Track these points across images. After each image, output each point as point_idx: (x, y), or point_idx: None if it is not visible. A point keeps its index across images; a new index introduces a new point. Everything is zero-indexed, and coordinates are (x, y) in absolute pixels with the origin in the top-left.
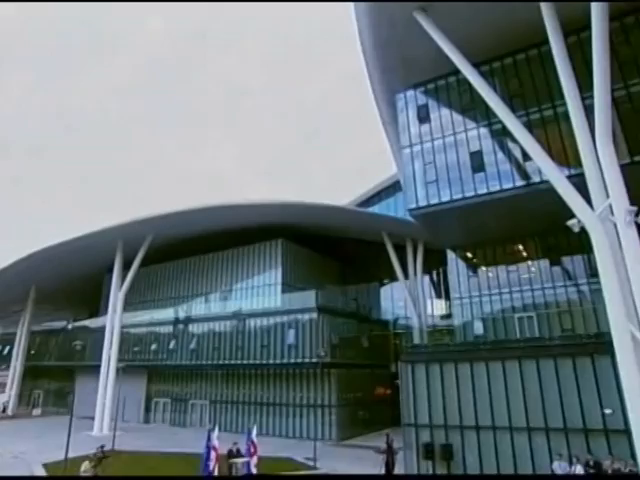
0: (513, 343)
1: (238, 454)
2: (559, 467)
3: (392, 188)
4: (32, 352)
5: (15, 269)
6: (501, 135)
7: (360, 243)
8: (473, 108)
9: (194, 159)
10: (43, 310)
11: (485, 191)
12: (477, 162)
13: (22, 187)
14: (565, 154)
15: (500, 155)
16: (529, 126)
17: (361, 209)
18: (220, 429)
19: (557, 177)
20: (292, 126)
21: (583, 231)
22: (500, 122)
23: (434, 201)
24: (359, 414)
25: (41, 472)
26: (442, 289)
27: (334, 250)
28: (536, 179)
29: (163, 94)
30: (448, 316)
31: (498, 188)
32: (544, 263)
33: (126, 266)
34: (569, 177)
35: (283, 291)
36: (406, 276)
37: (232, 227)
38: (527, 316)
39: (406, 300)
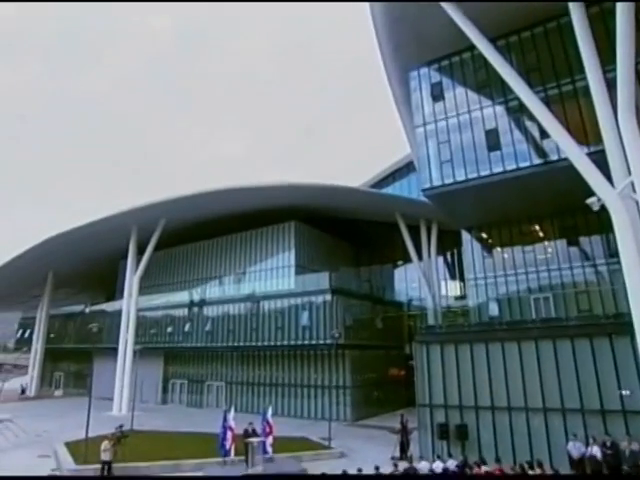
0: (529, 323)
1: (254, 434)
2: (574, 447)
3: (405, 169)
4: (52, 335)
5: (32, 254)
6: (518, 112)
7: (373, 225)
8: (489, 85)
9: (207, 147)
10: (61, 294)
11: (501, 170)
12: (493, 140)
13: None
14: (584, 131)
15: (517, 133)
16: (547, 102)
17: (374, 190)
18: (236, 410)
19: (576, 154)
20: (304, 112)
21: (602, 210)
22: (517, 99)
23: (449, 181)
24: (373, 395)
25: (63, 450)
26: (456, 271)
27: (347, 232)
28: (554, 157)
29: (177, 83)
30: (462, 297)
31: (514, 167)
32: (561, 243)
33: (140, 250)
34: (589, 154)
35: (297, 273)
36: (420, 257)
37: (245, 210)
38: (543, 297)
39: (420, 281)
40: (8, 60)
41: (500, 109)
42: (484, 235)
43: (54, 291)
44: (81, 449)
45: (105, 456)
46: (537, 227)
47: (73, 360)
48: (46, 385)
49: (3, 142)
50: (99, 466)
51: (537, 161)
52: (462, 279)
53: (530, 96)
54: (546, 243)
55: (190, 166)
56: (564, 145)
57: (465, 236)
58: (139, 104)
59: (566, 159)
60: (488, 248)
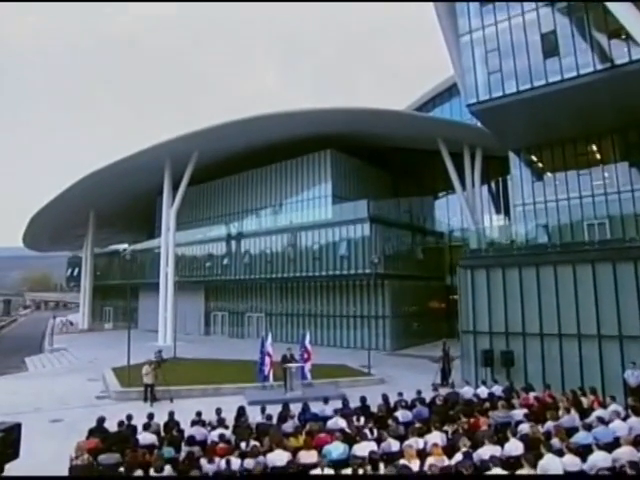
0: (586, 245)
1: (292, 359)
2: (632, 375)
3: (447, 93)
4: (98, 273)
5: (71, 194)
6: (581, 10)
7: (413, 153)
8: None
9: (241, 80)
10: (104, 234)
11: (558, 78)
12: (550, 45)
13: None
14: None
15: (578, 35)
16: None
17: (414, 112)
18: (276, 340)
19: None
20: (338, 38)
21: None
22: None
23: (497, 94)
24: (413, 326)
25: (110, 374)
26: (501, 201)
27: (386, 161)
28: (623, 60)
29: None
30: (508, 228)
31: (574, 74)
32: (622, 164)
33: (176, 187)
34: None
35: (334, 203)
36: (463, 186)
37: (279, 139)
38: (598, 223)
39: (462, 212)
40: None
41: (560, 6)
42: (534, 158)
43: (97, 231)
44: (126, 374)
45: (147, 379)
46: (594, 146)
47: (121, 296)
48: (97, 319)
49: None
50: (142, 389)
51: (602, 66)
52: (507, 210)
53: None
54: (604, 164)
55: (223, 107)
56: None
57: (513, 159)
58: (170, 44)
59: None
60: (538, 172)
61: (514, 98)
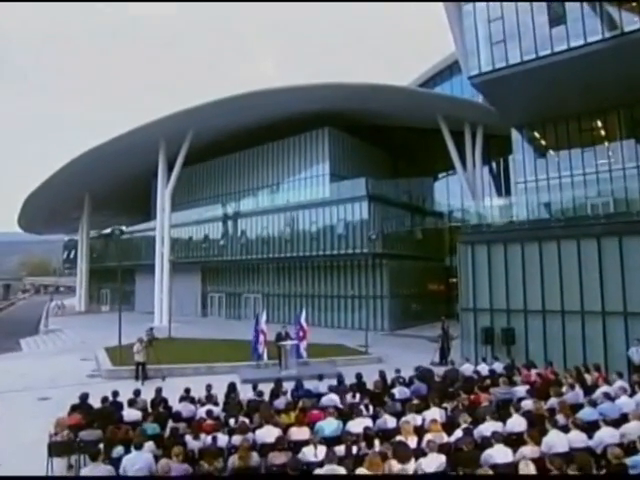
0: (592, 219)
1: (287, 337)
2: (636, 352)
3: (448, 71)
4: (94, 255)
5: (66, 173)
6: None
7: (412, 132)
8: None
9: (239, 68)
10: (100, 217)
11: (564, 47)
12: (556, 13)
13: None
14: None
15: (586, 2)
16: None
17: (414, 87)
18: (273, 322)
19: None
20: (337, 22)
21: None
22: None
23: (500, 65)
24: (412, 307)
25: (102, 354)
26: (502, 182)
27: (385, 141)
28: (633, 27)
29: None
30: (509, 208)
31: (582, 42)
32: (628, 141)
33: (171, 167)
34: None
35: (331, 182)
36: (464, 166)
37: (275, 117)
38: (602, 202)
39: (462, 192)
40: None
41: None
42: (537, 134)
43: (93, 213)
44: (117, 352)
45: (138, 357)
46: (599, 122)
47: (117, 278)
48: (95, 302)
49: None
50: (133, 367)
51: (610, 33)
52: (508, 191)
53: None
54: (609, 141)
55: (223, 87)
56: None
57: (516, 136)
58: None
59: None
60: (541, 149)
61: (518, 69)
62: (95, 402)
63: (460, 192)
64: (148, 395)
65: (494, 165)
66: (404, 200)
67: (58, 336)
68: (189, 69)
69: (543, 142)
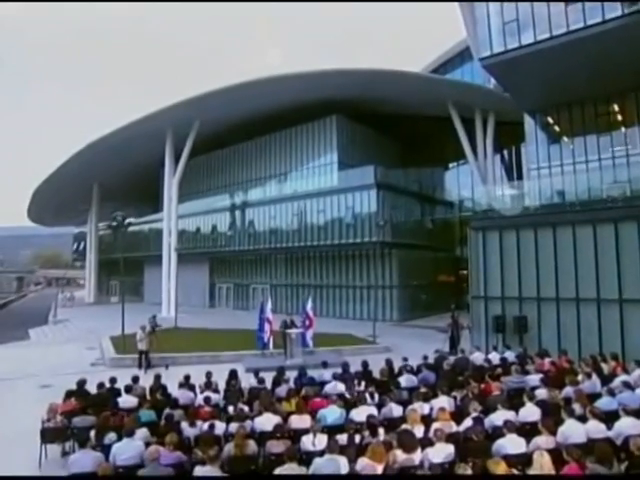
0: (609, 203)
1: (292, 325)
2: None
3: (458, 58)
4: (103, 247)
5: (74, 163)
6: None
7: (422, 120)
8: None
9: (245, 59)
10: (109, 208)
11: (581, 25)
12: None
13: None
14: None
15: None
16: None
17: (423, 73)
18: (281, 312)
19: None
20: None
21: None
22: None
23: (513, 45)
24: (421, 298)
25: (107, 341)
26: (514, 170)
27: (393, 129)
28: None
29: None
30: (521, 197)
31: (599, 19)
32: None
33: (178, 157)
34: None
35: (339, 170)
36: (475, 155)
37: (282, 105)
38: (618, 186)
39: (473, 182)
40: None
41: None
42: (550, 120)
43: (102, 205)
44: (120, 340)
45: (141, 345)
46: (615, 106)
47: (127, 270)
48: (104, 293)
49: None
50: (137, 355)
51: (630, 9)
52: (521, 179)
53: None
54: (626, 126)
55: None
56: None
57: (528, 122)
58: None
59: None
60: (554, 134)
61: (531, 49)
62: (95, 389)
63: (471, 182)
64: (149, 383)
65: (506, 154)
66: (414, 189)
67: (66, 326)
68: (195, 61)
69: (557, 128)
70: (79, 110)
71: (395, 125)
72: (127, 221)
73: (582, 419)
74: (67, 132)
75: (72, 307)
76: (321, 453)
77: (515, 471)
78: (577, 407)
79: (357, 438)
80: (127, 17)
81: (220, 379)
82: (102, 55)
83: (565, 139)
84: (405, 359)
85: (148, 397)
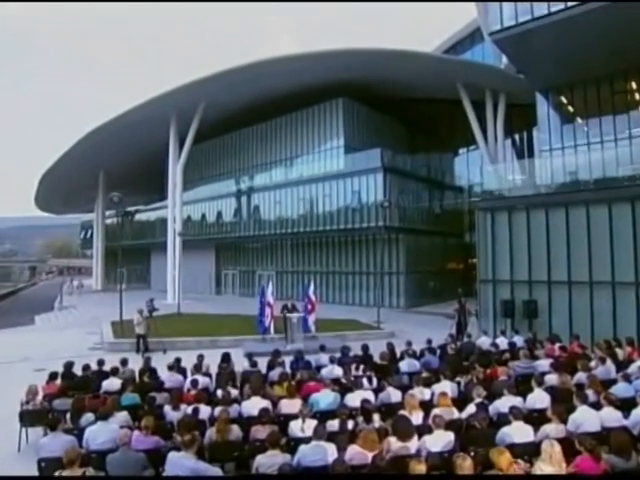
0: (625, 181)
1: (293, 309)
2: None
3: (469, 40)
4: (110, 235)
5: (80, 149)
6: None
7: (431, 103)
8: None
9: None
10: (115, 197)
11: None
12: None
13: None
14: None
15: None
16: None
17: (432, 53)
18: (286, 298)
19: None
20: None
21: None
22: None
23: (524, 18)
24: (428, 284)
25: (108, 327)
26: (525, 154)
27: (401, 112)
28: None
29: None
30: (532, 176)
31: None
32: None
33: (183, 143)
34: None
35: (346, 154)
36: (485, 139)
37: (288, 87)
38: (633, 167)
39: (484, 165)
40: None
41: None
42: (564, 99)
43: (108, 192)
44: (119, 325)
45: (139, 330)
46: (634, 84)
47: (134, 257)
48: (112, 281)
49: None
50: (135, 340)
51: None
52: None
53: None
54: None
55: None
56: None
57: (541, 101)
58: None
59: None
60: (568, 114)
61: (545, 22)
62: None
63: (480, 167)
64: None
65: (517, 137)
66: (422, 174)
67: (71, 312)
68: (205, 47)
69: (570, 108)
70: (94, 100)
71: (403, 108)
72: (133, 209)
73: (596, 406)
74: (85, 122)
75: (80, 294)
76: (309, 439)
77: (521, 462)
78: (590, 394)
79: (350, 424)
80: (141, 7)
81: (216, 364)
82: (115, 39)
83: (579, 119)
84: (409, 343)
85: (138, 380)
